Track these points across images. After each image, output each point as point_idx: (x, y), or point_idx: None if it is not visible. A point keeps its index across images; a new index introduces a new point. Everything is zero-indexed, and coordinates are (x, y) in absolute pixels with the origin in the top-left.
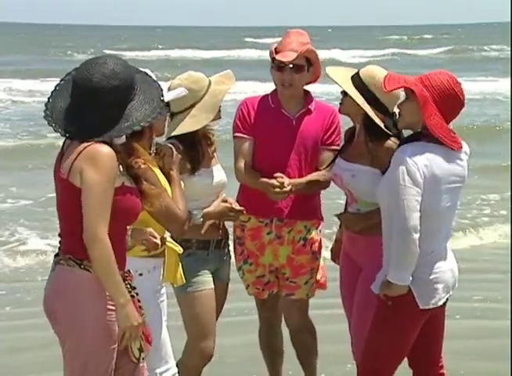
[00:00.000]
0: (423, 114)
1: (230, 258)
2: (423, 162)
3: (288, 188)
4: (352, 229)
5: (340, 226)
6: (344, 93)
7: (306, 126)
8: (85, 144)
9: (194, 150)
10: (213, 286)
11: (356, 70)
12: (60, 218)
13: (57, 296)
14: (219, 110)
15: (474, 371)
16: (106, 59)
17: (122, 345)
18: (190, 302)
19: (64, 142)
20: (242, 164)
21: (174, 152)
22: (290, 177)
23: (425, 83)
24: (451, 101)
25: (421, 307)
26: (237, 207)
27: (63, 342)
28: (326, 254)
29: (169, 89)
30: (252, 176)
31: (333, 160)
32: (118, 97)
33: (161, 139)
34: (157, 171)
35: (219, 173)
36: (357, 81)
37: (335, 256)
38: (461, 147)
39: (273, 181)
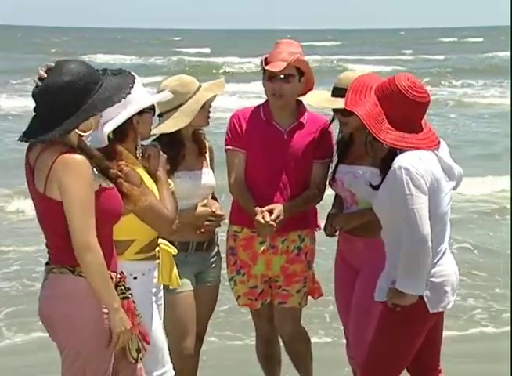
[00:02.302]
0: (375, 135)
1: (220, 261)
2: (424, 168)
3: (273, 223)
4: (346, 228)
5: (333, 206)
6: (342, 114)
7: (298, 140)
8: (55, 155)
9: (172, 151)
10: (191, 288)
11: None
12: (45, 231)
13: (53, 303)
14: (208, 117)
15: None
16: (62, 60)
17: (116, 349)
18: (168, 304)
19: (27, 154)
20: (234, 180)
21: (161, 153)
22: (281, 191)
23: (378, 94)
24: (404, 107)
25: (431, 311)
26: (218, 211)
27: (61, 348)
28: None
29: (158, 90)
30: (245, 198)
31: (334, 172)
32: (75, 93)
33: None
34: (142, 172)
35: (206, 176)
36: (340, 92)
37: (329, 231)
38: (438, 143)
39: (260, 218)
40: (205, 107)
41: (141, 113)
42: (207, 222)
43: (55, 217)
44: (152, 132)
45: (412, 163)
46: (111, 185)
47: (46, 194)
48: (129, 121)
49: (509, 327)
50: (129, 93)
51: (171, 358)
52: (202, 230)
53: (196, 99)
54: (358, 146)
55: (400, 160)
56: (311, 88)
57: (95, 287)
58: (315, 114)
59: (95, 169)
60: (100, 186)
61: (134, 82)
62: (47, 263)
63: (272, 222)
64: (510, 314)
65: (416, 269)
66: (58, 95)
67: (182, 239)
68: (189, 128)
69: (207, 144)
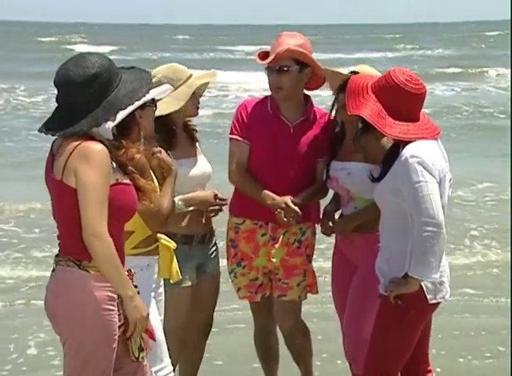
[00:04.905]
0: (382, 130)
1: (218, 251)
2: (433, 156)
3: (298, 210)
4: (347, 231)
5: (331, 202)
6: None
7: (304, 135)
8: (76, 143)
9: (166, 133)
10: (189, 283)
11: (347, 72)
12: (57, 222)
13: (57, 296)
14: (197, 107)
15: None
16: (84, 53)
17: (133, 336)
18: (168, 298)
19: (53, 144)
20: (235, 166)
21: (173, 164)
22: (286, 185)
23: (375, 90)
24: (404, 100)
25: (430, 302)
26: (220, 195)
27: (63, 341)
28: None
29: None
30: (246, 182)
31: (328, 169)
32: (100, 86)
33: None
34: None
35: (203, 163)
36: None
37: (325, 229)
38: (439, 132)
39: (289, 202)
40: (195, 95)
41: (143, 107)
42: (210, 207)
43: (69, 204)
44: None
45: (423, 151)
46: (128, 181)
47: (63, 181)
48: (132, 115)
49: None
50: (151, 88)
51: (172, 352)
52: (203, 220)
53: (189, 84)
54: (350, 141)
55: (410, 150)
56: (321, 82)
57: (106, 275)
58: (320, 109)
59: (113, 162)
60: (117, 180)
61: (151, 77)
62: (57, 254)
63: (297, 209)
64: (510, 313)
65: (432, 255)
66: (83, 88)
67: (186, 231)
68: (180, 116)
69: (197, 135)
